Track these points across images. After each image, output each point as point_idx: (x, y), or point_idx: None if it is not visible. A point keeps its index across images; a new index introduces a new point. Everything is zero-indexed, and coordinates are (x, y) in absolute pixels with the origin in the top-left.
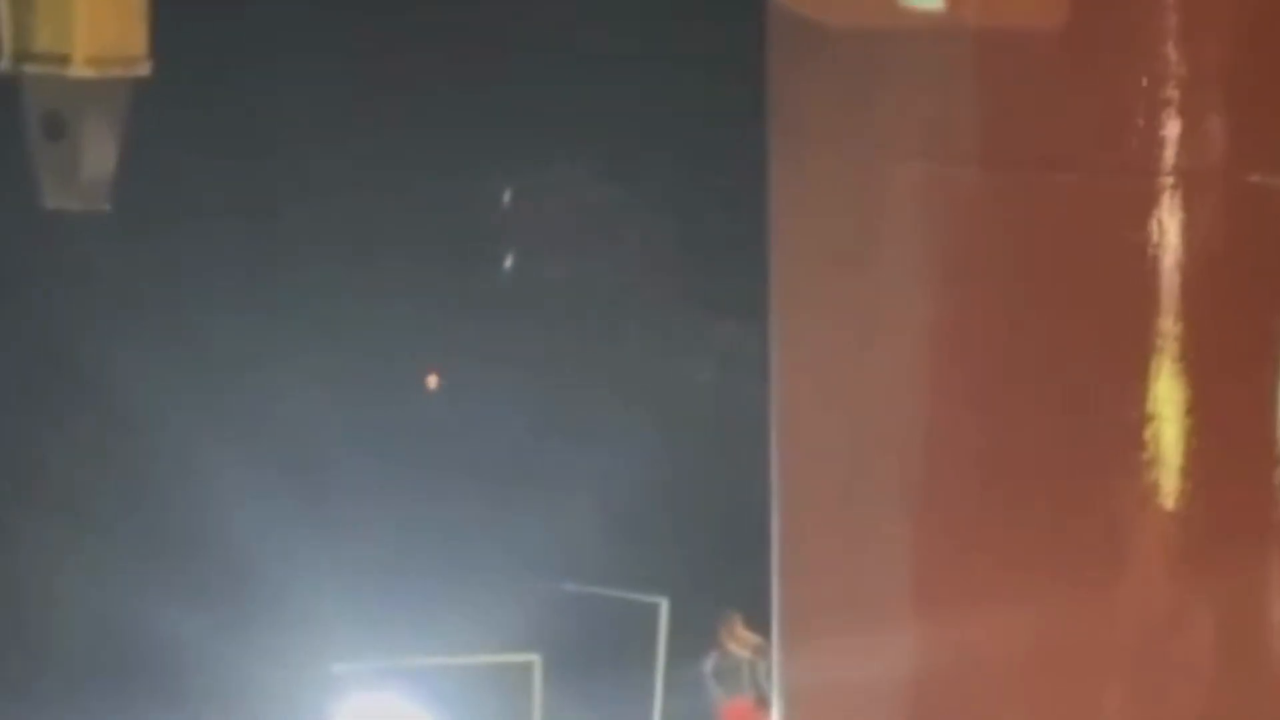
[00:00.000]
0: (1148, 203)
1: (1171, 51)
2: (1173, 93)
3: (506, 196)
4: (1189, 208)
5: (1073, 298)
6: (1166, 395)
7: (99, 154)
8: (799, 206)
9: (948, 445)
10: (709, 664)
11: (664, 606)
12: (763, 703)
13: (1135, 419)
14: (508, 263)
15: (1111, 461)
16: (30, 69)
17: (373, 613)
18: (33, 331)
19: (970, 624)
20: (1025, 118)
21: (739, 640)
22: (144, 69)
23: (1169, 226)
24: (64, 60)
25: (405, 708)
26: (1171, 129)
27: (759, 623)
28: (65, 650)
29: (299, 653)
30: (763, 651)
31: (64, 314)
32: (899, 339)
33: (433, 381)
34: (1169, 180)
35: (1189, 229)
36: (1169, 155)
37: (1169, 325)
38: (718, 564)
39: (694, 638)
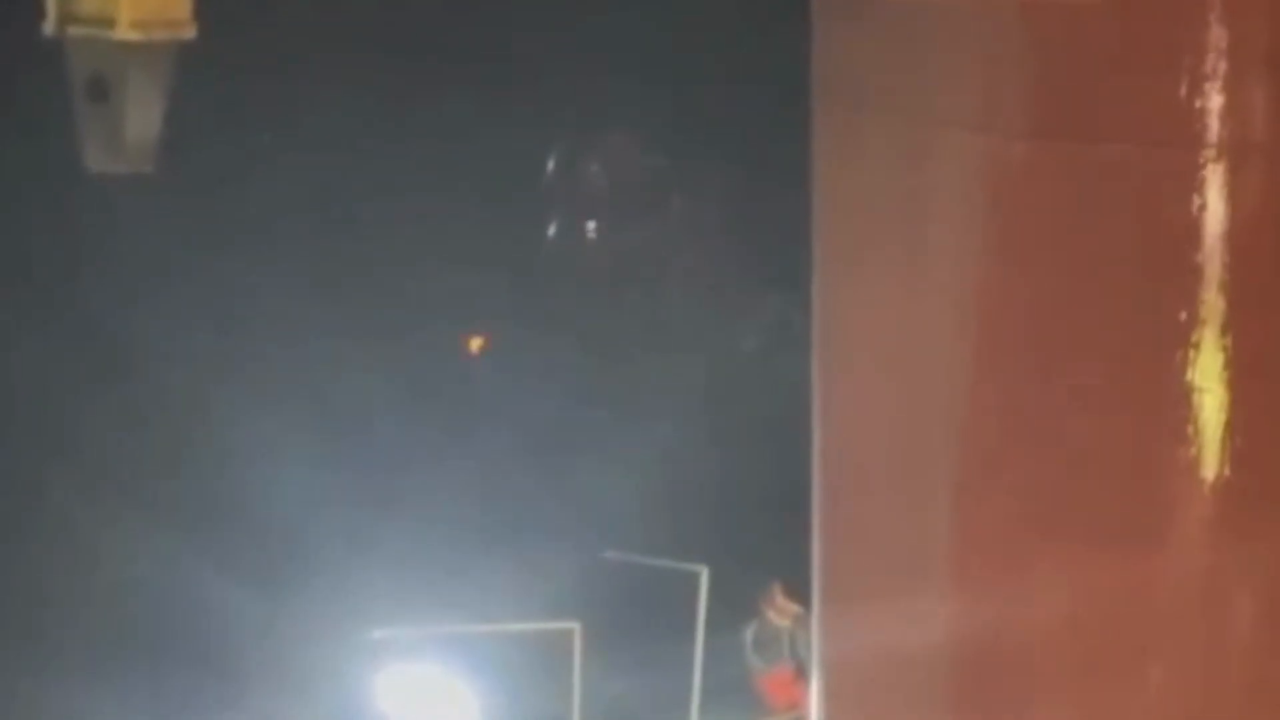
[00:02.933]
0: (1193, 175)
1: (1217, 23)
2: (1218, 65)
3: (550, 164)
4: (1233, 180)
5: (1118, 268)
6: (1210, 366)
7: (143, 117)
8: (844, 176)
9: (990, 416)
10: (749, 633)
11: (704, 575)
12: (802, 672)
13: (1179, 390)
14: (551, 230)
15: (1156, 432)
16: (75, 31)
17: (413, 579)
18: (70, 297)
19: (1012, 595)
20: (1072, 89)
21: (779, 610)
22: (189, 32)
23: (1214, 198)
24: (109, 23)
25: (445, 674)
26: (1216, 101)
27: (799, 592)
28: (103, 618)
29: (338, 619)
30: (803, 621)
31: (101, 280)
32: (944, 308)
33: (476, 345)
34: (1213, 153)
35: (1233, 201)
36: (1214, 127)
37: (1213, 296)
38: (759, 533)
39: (734, 607)
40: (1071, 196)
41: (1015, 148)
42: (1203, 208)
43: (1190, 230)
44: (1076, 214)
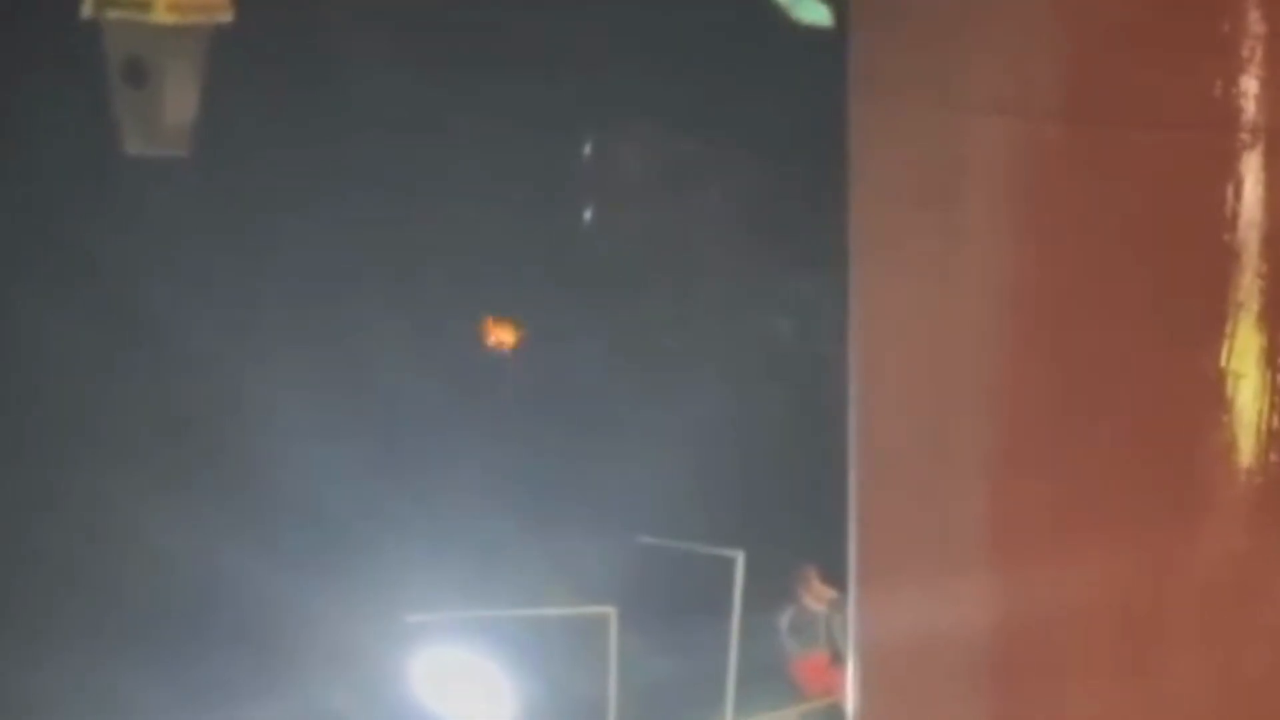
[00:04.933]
0: (1227, 159)
1: (1253, 6)
2: (1254, 48)
3: (587, 148)
4: (1269, 165)
5: (1153, 254)
6: (1246, 351)
7: (180, 100)
8: (879, 162)
9: (1026, 400)
10: (784, 618)
11: (740, 560)
12: (838, 657)
13: (1216, 376)
14: (587, 215)
15: (1191, 418)
16: (112, 15)
17: (448, 564)
18: (104, 278)
19: (1049, 579)
20: (1105, 72)
21: (815, 594)
22: (226, 15)
23: (1249, 183)
24: (146, 6)
25: (480, 659)
26: (1251, 85)
27: (835, 577)
28: (136, 600)
29: (374, 603)
30: (838, 606)
31: (136, 261)
32: (979, 293)
33: (508, 336)
34: (1248, 137)
35: (1270, 185)
36: (1250, 111)
37: (1249, 281)
38: (794, 518)
39: (770, 592)
40: (1106, 181)
41: (1048, 131)
42: (1238, 193)
43: (1226, 215)
44: (1111, 199)
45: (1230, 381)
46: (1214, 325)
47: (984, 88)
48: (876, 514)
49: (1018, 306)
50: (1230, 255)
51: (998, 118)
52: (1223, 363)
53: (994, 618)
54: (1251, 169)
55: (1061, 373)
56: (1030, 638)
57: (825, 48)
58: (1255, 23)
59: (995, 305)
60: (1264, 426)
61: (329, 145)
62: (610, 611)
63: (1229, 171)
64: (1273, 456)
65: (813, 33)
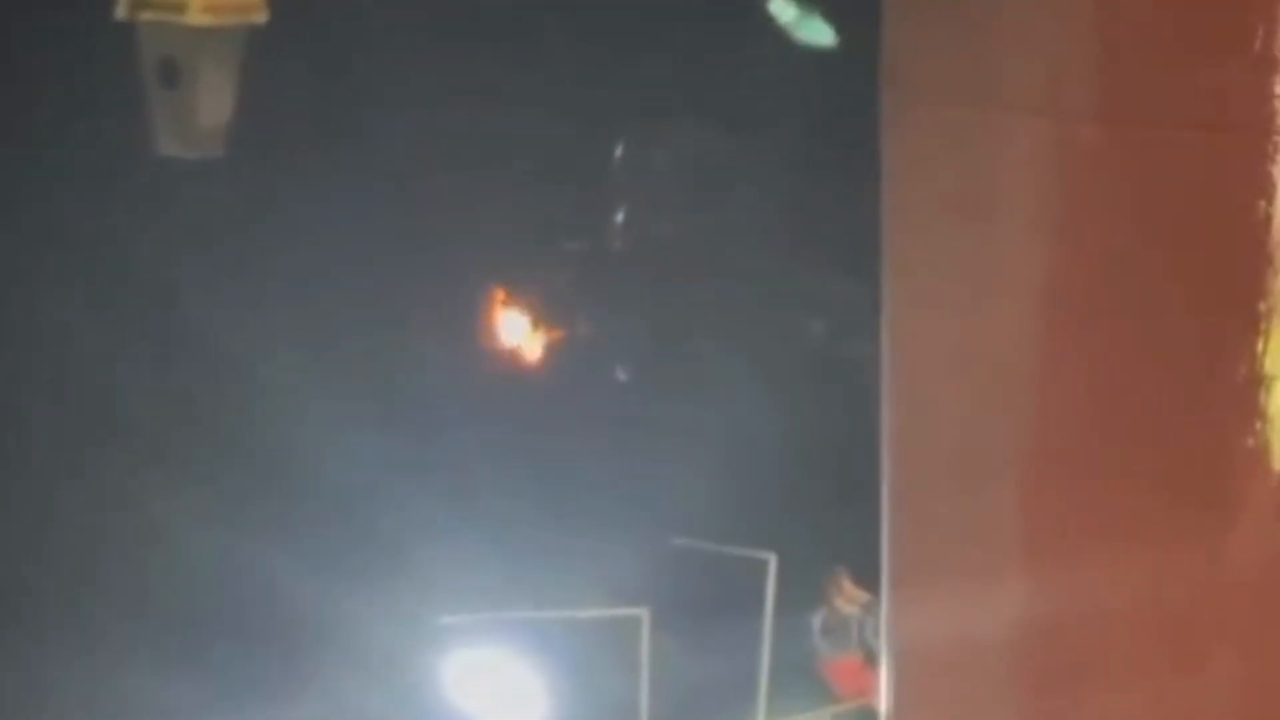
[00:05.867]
0: (1262, 161)
1: None
2: None
3: (619, 149)
4: None
5: (1187, 257)
6: (1279, 355)
7: (215, 101)
8: (912, 160)
9: (1060, 402)
10: (817, 621)
11: (772, 562)
12: (871, 660)
13: (1247, 379)
14: (619, 216)
15: (1223, 421)
16: (147, 16)
17: (481, 565)
18: (130, 278)
19: (1082, 582)
20: (1138, 72)
21: (847, 597)
22: (260, 17)
23: None
24: (180, 7)
25: (513, 660)
26: None
27: (868, 579)
28: (167, 601)
29: (407, 604)
30: (871, 609)
31: (161, 261)
32: (1013, 295)
33: (542, 337)
34: None
35: None
36: None
37: None
38: (827, 520)
39: (802, 594)
40: (1140, 182)
41: (1081, 132)
42: (1273, 194)
43: (1261, 217)
44: (1145, 200)
45: (1264, 385)
46: (1248, 327)
47: (1017, 89)
48: (909, 516)
49: (1051, 307)
50: (1265, 258)
51: (1031, 119)
52: (1257, 366)
53: (1027, 619)
54: None
55: (1095, 374)
56: (1063, 640)
57: (860, 45)
58: None
59: (1028, 306)
60: None
61: (363, 146)
62: (643, 613)
63: (1264, 172)
64: None
65: (846, 32)
